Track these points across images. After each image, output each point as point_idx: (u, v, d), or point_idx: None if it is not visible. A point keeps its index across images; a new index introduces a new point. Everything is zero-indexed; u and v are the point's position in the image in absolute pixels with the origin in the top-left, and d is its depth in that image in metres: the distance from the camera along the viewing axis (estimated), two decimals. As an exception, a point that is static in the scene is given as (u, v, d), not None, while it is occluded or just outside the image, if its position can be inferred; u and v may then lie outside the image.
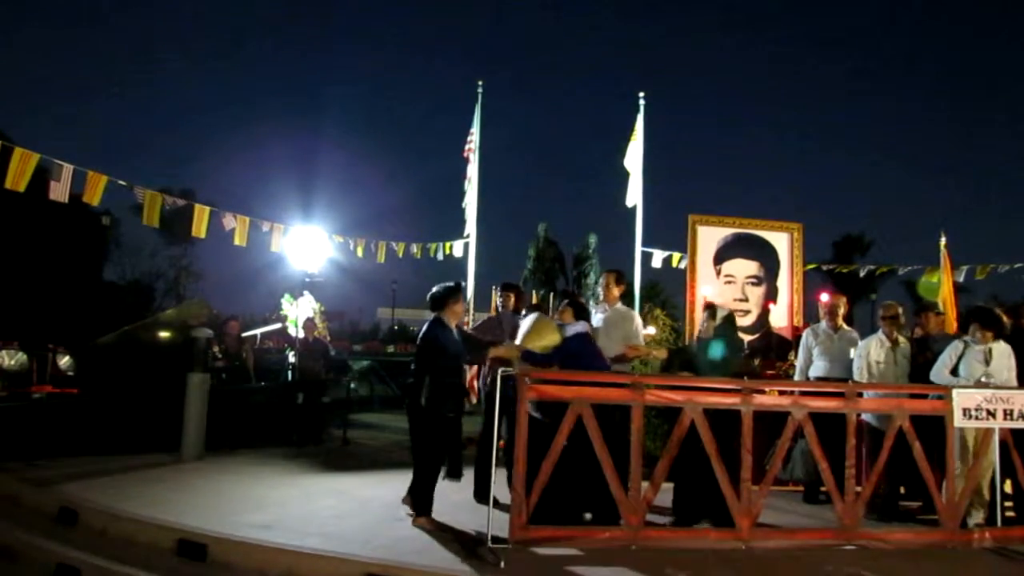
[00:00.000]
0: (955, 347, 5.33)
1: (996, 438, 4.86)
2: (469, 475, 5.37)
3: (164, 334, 9.22)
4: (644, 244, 9.23)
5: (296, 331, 10.53)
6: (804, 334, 6.42)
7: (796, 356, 6.60)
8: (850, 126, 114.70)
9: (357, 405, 12.20)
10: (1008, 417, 4.80)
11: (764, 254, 8.44)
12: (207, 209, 8.37)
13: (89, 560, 4.05)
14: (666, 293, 9.49)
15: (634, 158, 9.20)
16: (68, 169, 7.00)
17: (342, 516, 4.91)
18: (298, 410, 8.77)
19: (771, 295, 8.38)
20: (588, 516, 4.84)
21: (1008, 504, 5.17)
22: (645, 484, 4.48)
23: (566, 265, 25.28)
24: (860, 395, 5.24)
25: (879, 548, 4.59)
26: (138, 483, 5.70)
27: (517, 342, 4.92)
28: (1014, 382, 5.21)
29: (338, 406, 10.01)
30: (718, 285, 8.27)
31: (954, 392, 4.83)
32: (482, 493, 5.17)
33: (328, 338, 11.22)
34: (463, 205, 9.63)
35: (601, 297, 6.07)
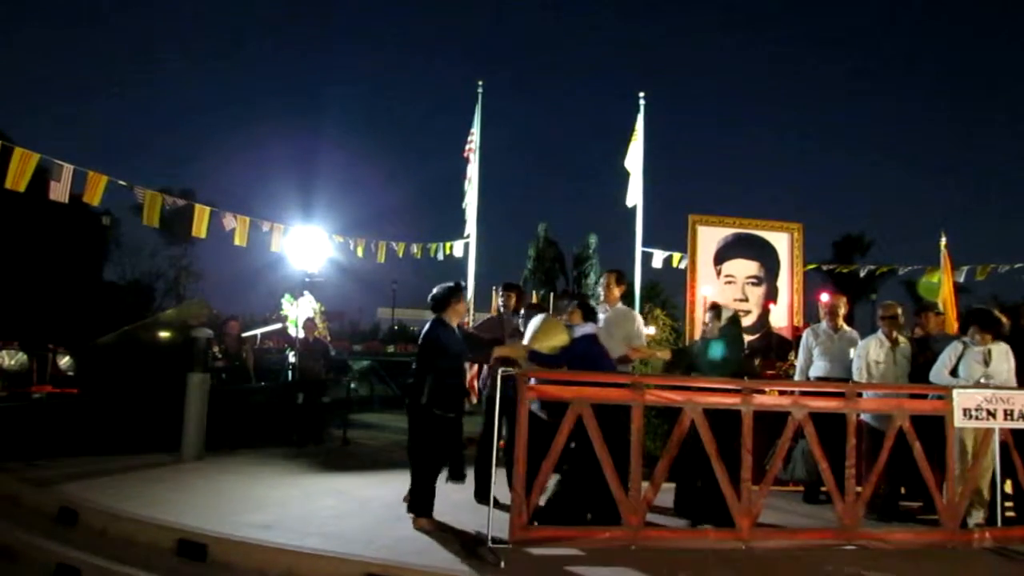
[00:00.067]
0: (954, 348, 5.33)
1: (996, 438, 4.87)
2: (470, 475, 5.37)
3: (164, 334, 9.22)
4: (644, 244, 9.25)
5: (296, 331, 10.52)
6: (804, 334, 6.41)
7: (796, 356, 6.60)
8: (850, 126, 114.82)
9: (357, 405, 12.21)
10: (1008, 417, 4.80)
11: (764, 254, 8.45)
12: (207, 209, 8.38)
13: (89, 560, 4.05)
14: (666, 293, 9.51)
15: (634, 158, 9.21)
16: (68, 169, 7.01)
17: (342, 516, 4.91)
18: (298, 410, 8.77)
19: (771, 295, 8.38)
20: (588, 516, 4.84)
21: (1008, 504, 5.17)
22: (645, 484, 4.47)
23: (566, 265, 25.31)
24: (860, 395, 5.24)
25: (879, 548, 4.59)
26: (138, 483, 5.69)
27: (524, 342, 4.91)
28: (1013, 382, 5.21)
29: (338, 406, 10.01)
30: (718, 285, 8.27)
31: (954, 392, 4.83)
32: (482, 493, 5.17)
33: (328, 338, 11.22)
34: (463, 205, 9.64)
35: (602, 297, 6.07)
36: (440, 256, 10.05)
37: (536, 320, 4.99)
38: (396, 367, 14.55)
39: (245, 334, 9.95)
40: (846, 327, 6.23)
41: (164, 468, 6.43)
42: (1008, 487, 5.24)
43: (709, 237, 8.43)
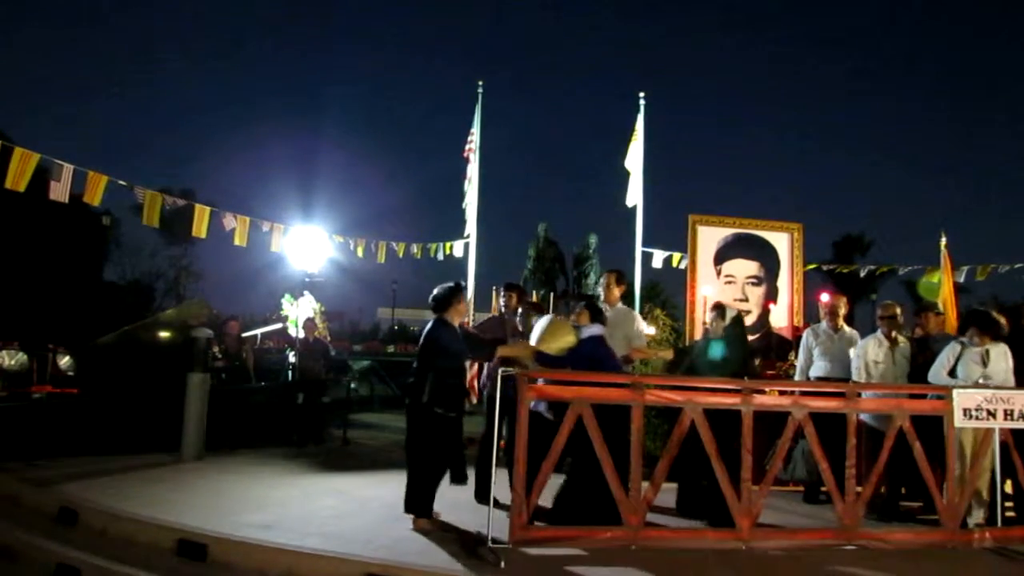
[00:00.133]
0: (952, 348, 5.33)
1: (996, 438, 4.86)
2: (471, 475, 5.37)
3: (164, 334, 9.22)
4: (644, 244, 9.25)
5: (296, 331, 10.53)
6: (804, 334, 6.42)
7: (796, 356, 6.60)
8: (850, 126, 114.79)
9: (357, 405, 12.22)
10: (1008, 417, 4.79)
11: (764, 254, 8.45)
12: (207, 209, 8.38)
13: (89, 560, 4.05)
14: (666, 293, 9.51)
15: (634, 158, 9.22)
16: (68, 169, 7.01)
17: (342, 516, 4.91)
18: (298, 410, 8.77)
19: (771, 295, 8.39)
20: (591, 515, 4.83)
21: (1008, 504, 5.17)
22: (645, 484, 4.47)
23: (566, 265, 25.31)
24: (859, 395, 5.24)
25: (879, 548, 4.59)
26: (138, 483, 5.69)
27: (532, 343, 4.90)
28: (1011, 382, 5.20)
29: (338, 406, 10.01)
30: (718, 285, 8.28)
31: (954, 392, 4.83)
32: (482, 493, 5.17)
33: (328, 338, 11.23)
34: (463, 205, 9.65)
35: (602, 297, 6.08)
36: (440, 256, 10.06)
37: (543, 321, 4.98)
38: (396, 367, 14.56)
39: (245, 334, 9.95)
40: (846, 327, 6.23)
41: (164, 468, 6.43)
42: (1008, 487, 5.24)
43: (709, 237, 8.43)
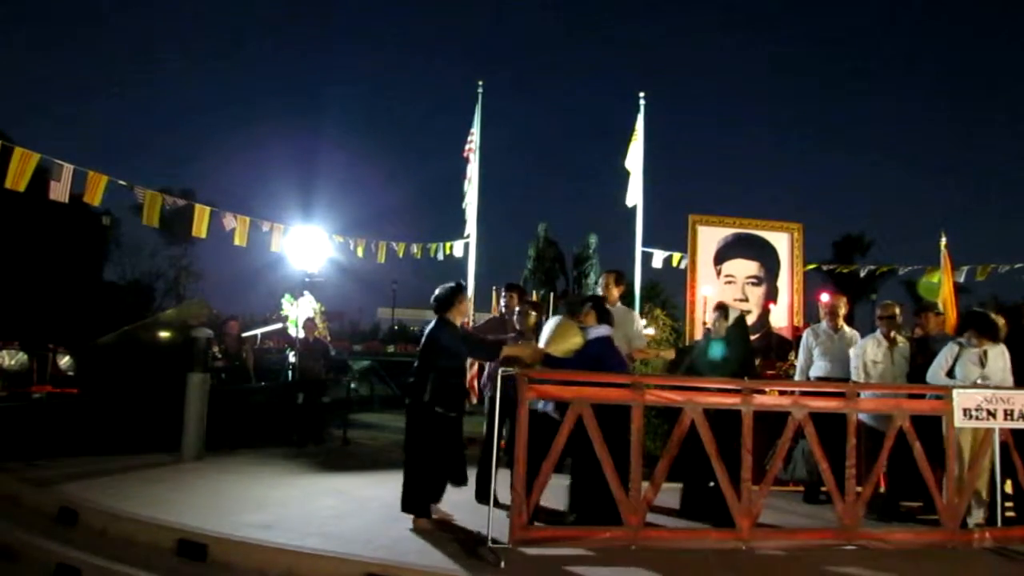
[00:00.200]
0: (950, 349, 5.32)
1: (996, 438, 4.86)
2: (471, 476, 5.37)
3: (164, 334, 9.22)
4: (644, 244, 9.25)
5: (296, 331, 10.53)
6: (804, 334, 6.41)
7: (796, 356, 6.60)
8: (850, 126, 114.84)
9: (357, 405, 12.22)
10: (1008, 417, 4.79)
11: (764, 254, 8.46)
12: (207, 209, 8.38)
13: (89, 560, 4.05)
14: (666, 293, 9.52)
15: (634, 158, 9.21)
16: (68, 169, 7.01)
17: (342, 516, 4.91)
18: (298, 410, 8.77)
19: (771, 295, 8.39)
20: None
21: (1008, 504, 5.17)
22: (645, 484, 4.47)
23: (566, 265, 25.25)
24: (859, 395, 5.23)
25: (879, 548, 4.59)
26: (138, 483, 5.69)
27: (540, 346, 4.90)
28: (1009, 381, 5.20)
29: (338, 406, 10.02)
30: (718, 285, 8.28)
31: (955, 392, 4.82)
32: (483, 493, 5.17)
33: (328, 338, 11.23)
34: (463, 205, 9.64)
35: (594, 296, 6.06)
36: (440, 256, 10.05)
37: (551, 323, 4.98)
38: (396, 367, 14.56)
39: (245, 334, 9.96)
40: (846, 327, 6.23)
41: (164, 468, 6.43)
42: (1008, 487, 5.24)
43: (709, 237, 8.43)
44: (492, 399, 5.17)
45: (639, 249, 9.22)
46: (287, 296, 12.44)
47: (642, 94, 9.31)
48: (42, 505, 5.00)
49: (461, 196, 9.67)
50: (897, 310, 5.93)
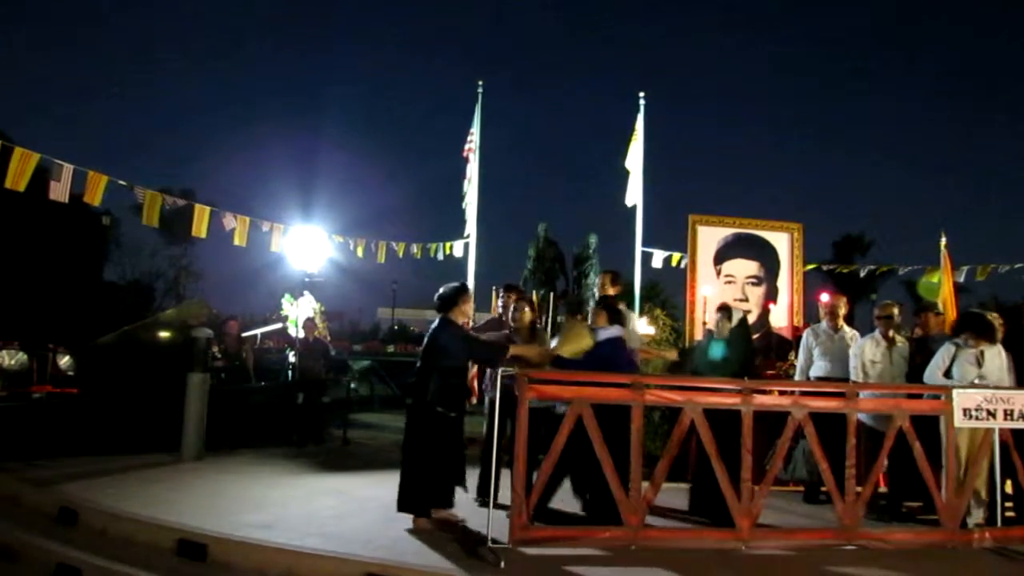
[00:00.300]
0: (947, 349, 5.32)
1: (996, 438, 4.86)
2: (471, 476, 5.36)
3: (164, 334, 9.23)
4: (644, 244, 9.25)
5: (296, 331, 10.52)
6: (804, 334, 6.41)
7: (796, 356, 6.60)
8: (850, 126, 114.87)
9: (357, 405, 12.21)
10: (1008, 417, 4.79)
11: (764, 254, 8.45)
12: (207, 209, 8.37)
13: (89, 560, 4.05)
14: (666, 293, 9.52)
15: (634, 158, 9.21)
16: (68, 169, 7.00)
17: (342, 516, 4.91)
18: (298, 410, 8.77)
19: (771, 295, 8.39)
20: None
21: (1008, 504, 5.17)
22: (645, 484, 4.47)
23: (566, 265, 25.24)
24: (858, 395, 5.23)
25: (879, 548, 4.59)
26: (138, 483, 5.69)
27: (551, 348, 4.88)
28: (1007, 380, 5.20)
29: (338, 406, 10.01)
30: (718, 285, 8.28)
31: (954, 392, 4.82)
32: (483, 493, 5.17)
33: (328, 338, 11.22)
34: (463, 205, 9.64)
35: (597, 297, 6.07)
36: (440, 256, 10.05)
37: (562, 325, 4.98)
38: (396, 367, 14.55)
39: (245, 334, 9.95)
40: (846, 327, 6.23)
41: (164, 468, 6.43)
42: (1008, 487, 5.24)
43: (709, 237, 8.43)
44: (492, 399, 5.16)
45: (639, 249, 9.22)
46: (287, 296, 12.43)
47: (642, 94, 9.32)
48: (42, 505, 5.00)
49: (461, 196, 9.68)
50: (895, 310, 5.92)
